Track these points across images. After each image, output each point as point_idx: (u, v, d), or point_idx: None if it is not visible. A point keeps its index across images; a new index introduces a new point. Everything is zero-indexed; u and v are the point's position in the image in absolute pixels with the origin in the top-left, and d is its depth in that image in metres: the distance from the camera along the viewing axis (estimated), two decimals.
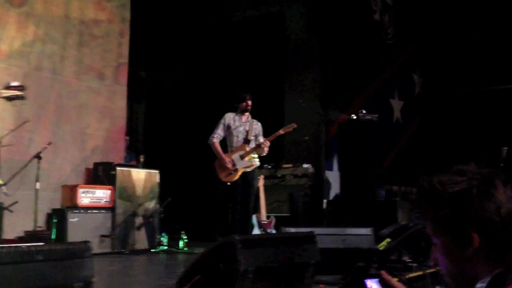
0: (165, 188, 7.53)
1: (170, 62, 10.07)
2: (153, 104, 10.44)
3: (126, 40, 8.65)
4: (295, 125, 6.27)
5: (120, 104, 8.59)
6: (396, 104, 11.05)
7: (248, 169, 6.22)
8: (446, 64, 11.33)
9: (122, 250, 6.71)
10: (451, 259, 1.22)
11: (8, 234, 6.23)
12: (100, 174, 6.93)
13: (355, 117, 8.04)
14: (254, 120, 6.47)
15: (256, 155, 6.33)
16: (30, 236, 6.18)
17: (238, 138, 6.33)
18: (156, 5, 9.65)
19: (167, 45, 10.18)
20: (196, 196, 9.05)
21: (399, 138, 11.01)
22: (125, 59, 8.66)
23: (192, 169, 9.24)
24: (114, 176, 6.86)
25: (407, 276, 4.24)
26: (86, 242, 2.44)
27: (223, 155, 6.25)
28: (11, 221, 6.23)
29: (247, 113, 6.43)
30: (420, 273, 4.30)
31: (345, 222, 5.42)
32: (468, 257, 1.18)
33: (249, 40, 9.49)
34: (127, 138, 8.97)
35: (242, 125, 6.36)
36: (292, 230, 4.42)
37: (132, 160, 8.70)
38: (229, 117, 6.40)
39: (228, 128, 6.37)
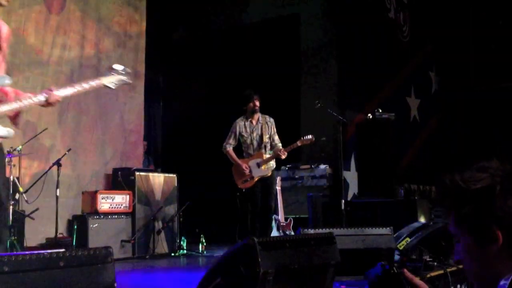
0: (183, 192, 7.56)
1: (187, 66, 10.12)
2: (170, 108, 10.50)
3: (142, 45, 8.74)
4: (313, 139, 6.19)
5: (138, 109, 8.67)
6: (413, 103, 10.98)
7: (265, 176, 6.19)
8: (462, 61, 11.22)
9: (143, 255, 6.76)
10: (474, 257, 1.21)
11: (30, 241, 6.32)
12: (119, 180, 6.99)
13: (371, 117, 8.00)
14: (266, 117, 6.34)
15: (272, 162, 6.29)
16: (51, 243, 6.26)
17: (253, 145, 6.25)
18: (171, 8, 9.71)
19: (183, 49, 10.24)
20: (214, 199, 9.08)
21: (417, 137, 10.92)
22: (141, 65, 8.75)
23: (210, 172, 9.27)
24: (133, 181, 6.92)
25: (428, 276, 4.21)
26: (107, 247, 2.45)
27: (239, 162, 6.20)
28: (33, 229, 6.31)
29: (257, 115, 6.30)
30: (441, 272, 4.26)
31: (364, 222, 5.39)
32: (491, 255, 1.17)
33: (264, 42, 9.50)
34: (145, 143, 9.04)
35: (255, 130, 6.27)
36: (311, 231, 4.42)
37: (150, 165, 8.77)
38: (240, 125, 6.30)
39: (241, 137, 6.30)
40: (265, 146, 6.24)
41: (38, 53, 7.15)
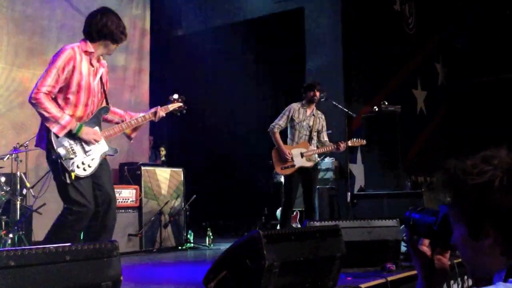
0: (190, 185, 7.58)
1: (192, 61, 10.12)
2: None
3: (146, 41, 8.75)
4: (364, 142, 6.13)
5: (143, 105, 8.70)
6: (419, 95, 10.93)
7: (306, 167, 6.03)
8: (469, 52, 11.16)
9: (150, 248, 6.79)
10: (467, 247, 1.20)
11: (39, 236, 6.36)
12: (126, 174, 7.02)
13: (377, 109, 7.98)
14: (319, 113, 6.23)
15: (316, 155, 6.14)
16: None
17: (300, 133, 6.09)
18: (175, 4, 9.71)
19: (189, 44, 10.24)
20: (221, 192, 9.11)
21: (424, 129, 10.89)
22: (146, 61, 8.77)
23: (216, 166, 9.29)
24: (139, 175, 6.94)
25: None
26: (113, 241, 2.47)
27: (283, 147, 6.01)
28: (41, 224, 6.34)
29: (312, 105, 6.17)
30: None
31: (370, 215, 5.39)
32: (483, 248, 1.16)
33: (269, 36, 9.48)
34: (151, 138, 9.08)
35: (306, 119, 6.11)
36: (317, 223, 4.42)
37: (157, 160, 8.80)
38: (294, 109, 6.13)
39: (291, 121, 6.12)
40: (312, 139, 6.09)
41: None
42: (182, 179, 7.47)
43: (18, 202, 5.66)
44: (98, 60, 3.62)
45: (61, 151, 3.38)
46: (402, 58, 10.37)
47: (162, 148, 9.34)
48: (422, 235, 1.45)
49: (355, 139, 6.12)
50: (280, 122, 6.13)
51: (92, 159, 3.50)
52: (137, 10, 8.65)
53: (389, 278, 3.88)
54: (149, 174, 7.05)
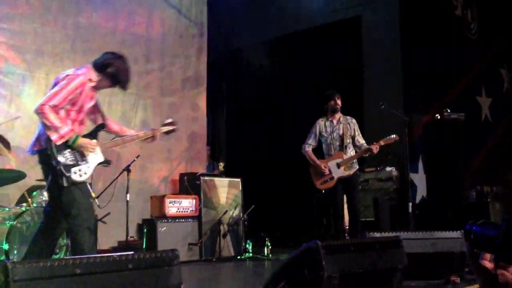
0: (248, 195, 7.61)
1: (250, 71, 10.21)
2: (234, 113, 10.63)
3: (204, 53, 8.92)
4: (397, 137, 5.90)
5: (201, 115, 8.85)
6: (484, 101, 10.55)
7: (346, 176, 5.94)
8: None
9: (210, 258, 6.87)
10: None
11: (103, 244, 6.58)
12: (186, 184, 7.14)
13: (440, 117, 7.76)
14: (347, 118, 6.15)
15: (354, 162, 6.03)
16: (123, 246, 6.47)
17: (333, 145, 6.04)
18: (234, 15, 9.83)
19: (245, 54, 10.34)
20: (279, 202, 9.09)
21: (489, 137, 10.47)
22: (204, 71, 8.94)
23: (274, 176, 9.29)
24: (198, 185, 7.05)
25: None
26: (174, 250, 2.52)
27: (318, 162, 5.99)
28: (105, 232, 6.56)
29: (337, 114, 6.11)
30: None
31: (434, 226, 5.22)
32: None
33: (326, 45, 9.42)
34: (208, 147, 9.22)
35: (335, 130, 6.07)
36: (377, 235, 4.34)
37: (215, 169, 8.93)
38: (320, 125, 6.13)
39: (321, 137, 6.12)
40: (346, 147, 6.01)
41: None
42: (241, 189, 7.52)
43: None
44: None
45: (61, 158, 3.73)
46: (464, 65, 10.04)
47: (221, 163, 9.43)
48: (484, 249, 1.39)
49: (388, 136, 5.94)
50: (310, 141, 6.14)
51: (88, 167, 3.90)
52: (195, 26, 8.86)
53: None
54: (208, 184, 7.16)
